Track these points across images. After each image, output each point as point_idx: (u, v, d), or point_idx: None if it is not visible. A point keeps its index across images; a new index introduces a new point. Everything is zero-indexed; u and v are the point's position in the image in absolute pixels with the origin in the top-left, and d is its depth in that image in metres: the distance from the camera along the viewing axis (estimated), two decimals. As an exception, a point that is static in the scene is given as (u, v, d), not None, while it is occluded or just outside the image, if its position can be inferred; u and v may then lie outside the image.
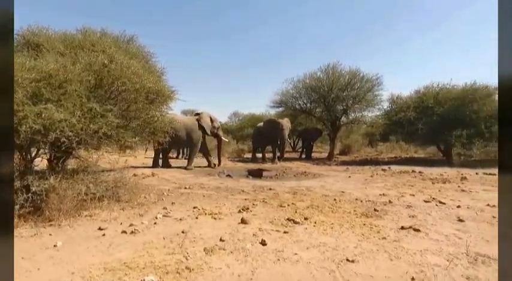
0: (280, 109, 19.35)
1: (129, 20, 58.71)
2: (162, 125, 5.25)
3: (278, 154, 14.53)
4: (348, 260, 2.73)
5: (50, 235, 3.40)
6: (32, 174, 3.86)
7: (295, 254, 2.89)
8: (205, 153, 11.97)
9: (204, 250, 2.98)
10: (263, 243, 3.17)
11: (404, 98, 14.93)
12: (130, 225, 3.76)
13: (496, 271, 2.53)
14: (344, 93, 15.87)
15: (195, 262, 2.69)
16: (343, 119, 16.80)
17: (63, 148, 4.02)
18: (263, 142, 14.78)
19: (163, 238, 3.34)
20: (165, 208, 4.69)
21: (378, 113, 16.07)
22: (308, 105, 17.47)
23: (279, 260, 2.76)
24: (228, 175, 9.60)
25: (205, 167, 11.66)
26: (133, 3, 59.22)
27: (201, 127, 11.26)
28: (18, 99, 3.38)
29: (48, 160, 4.77)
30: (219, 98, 62.75)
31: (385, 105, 15.71)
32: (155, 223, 3.91)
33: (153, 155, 11.77)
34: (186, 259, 2.76)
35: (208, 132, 11.57)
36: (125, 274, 2.44)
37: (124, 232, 3.52)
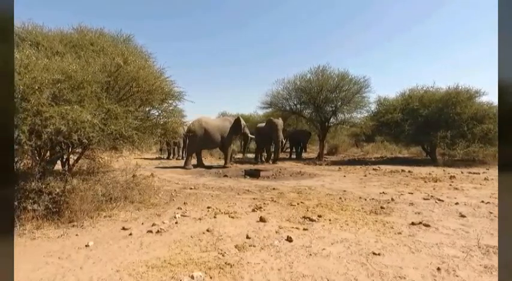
0: (270, 110, 19.53)
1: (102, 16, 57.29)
2: (175, 126, 5.30)
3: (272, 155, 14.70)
4: (374, 253, 2.94)
5: (77, 235, 3.42)
6: (52, 175, 3.84)
7: (324, 249, 3.07)
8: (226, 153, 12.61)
9: (236, 247, 3.11)
10: (289, 240, 3.33)
11: (391, 100, 15.53)
12: (153, 225, 3.83)
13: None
14: (333, 95, 16.27)
15: (232, 258, 2.81)
16: (332, 120, 17.22)
17: (81, 148, 4.02)
18: (263, 142, 14.86)
19: (191, 237, 3.43)
20: (179, 208, 4.76)
21: (365, 115, 16.61)
22: (298, 106, 17.78)
23: (310, 255, 2.93)
24: (225, 175, 9.69)
25: (196, 166, 11.82)
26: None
27: (242, 129, 12.36)
28: (44, 100, 3.37)
29: (62, 161, 4.73)
30: (207, 98, 62.32)
31: (373, 107, 16.30)
32: (176, 223, 3.99)
33: (145, 156, 11.80)
34: (223, 256, 2.88)
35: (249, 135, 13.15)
36: (170, 270, 2.54)
37: (150, 231, 3.59)
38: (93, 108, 3.96)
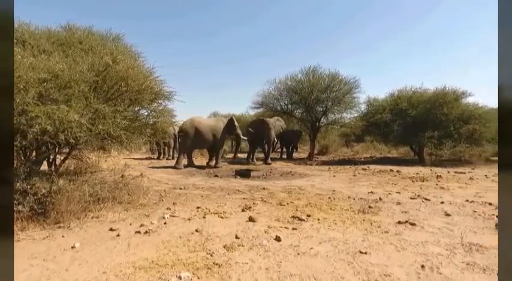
0: (261, 110, 19.56)
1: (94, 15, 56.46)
2: (164, 126, 5.26)
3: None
4: (361, 252, 2.98)
5: (63, 236, 3.38)
6: (37, 175, 3.78)
7: (311, 248, 3.10)
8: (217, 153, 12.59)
9: (224, 247, 3.11)
10: (278, 239, 3.35)
11: (380, 100, 15.75)
12: (141, 225, 3.80)
13: (490, 258, 2.89)
14: (324, 95, 16.40)
15: (221, 258, 2.82)
16: (323, 120, 17.35)
17: (68, 148, 3.97)
18: (254, 141, 14.77)
19: (180, 237, 3.42)
20: (168, 208, 4.74)
21: (355, 115, 16.79)
22: (289, 106, 17.85)
23: (298, 254, 2.95)
24: (216, 175, 9.67)
25: (187, 166, 11.77)
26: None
27: (235, 130, 12.47)
28: (29, 99, 3.31)
29: (48, 161, 4.65)
30: (198, 97, 61.96)
31: (363, 107, 16.50)
32: (165, 223, 3.97)
33: (135, 156, 11.69)
34: (211, 256, 2.88)
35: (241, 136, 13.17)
36: (157, 271, 2.53)
37: (138, 232, 3.56)
38: (81, 107, 3.90)
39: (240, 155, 18.10)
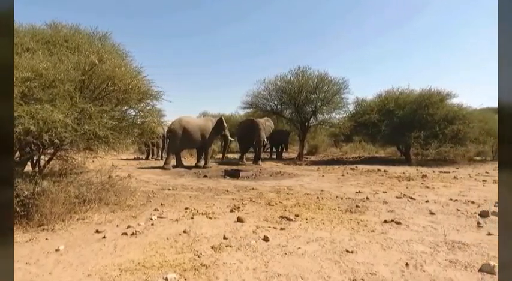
0: (251, 110, 19.56)
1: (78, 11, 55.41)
2: (152, 126, 5.21)
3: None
4: (347, 251, 3.02)
5: (47, 239, 3.30)
6: (20, 177, 3.69)
7: (299, 248, 3.13)
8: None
9: (212, 248, 3.11)
10: (266, 239, 3.36)
11: (368, 101, 15.98)
12: (128, 227, 3.76)
13: (472, 255, 2.98)
14: (313, 96, 16.52)
15: (208, 259, 2.81)
16: (312, 120, 17.47)
17: (52, 149, 3.89)
18: (245, 142, 14.71)
19: (167, 238, 3.40)
20: (156, 209, 4.70)
21: (344, 115, 16.97)
22: (279, 106, 17.90)
23: (286, 254, 2.97)
24: (205, 176, 9.63)
25: (176, 166, 11.70)
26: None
27: (224, 130, 12.37)
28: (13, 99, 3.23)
29: (32, 162, 4.55)
30: (188, 97, 61.44)
31: (351, 108, 16.71)
32: (152, 224, 3.93)
33: (123, 157, 11.53)
34: (198, 257, 2.87)
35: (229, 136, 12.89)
36: (143, 273, 2.51)
37: (124, 233, 3.52)
38: (66, 107, 3.83)
39: (229, 155, 18.07)
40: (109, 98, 4.89)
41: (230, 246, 3.17)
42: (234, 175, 9.90)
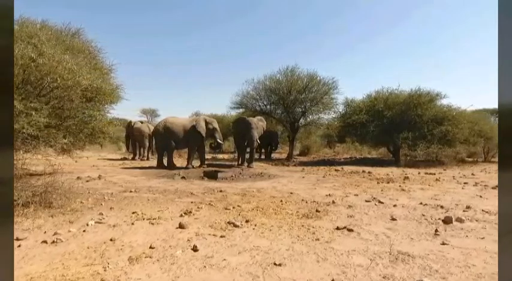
0: (241, 110, 19.26)
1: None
2: (101, 125, 4.92)
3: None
4: (275, 264, 2.72)
5: (-47, 248, 3.02)
6: None
7: (224, 260, 2.83)
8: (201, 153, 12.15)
9: (129, 259, 2.82)
10: (194, 249, 3.07)
11: (357, 101, 15.65)
12: (55, 234, 3.47)
13: (412, 268, 2.67)
14: (302, 96, 16.24)
15: (113, 273, 2.52)
16: (302, 120, 17.18)
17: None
18: (240, 142, 13.25)
19: (87, 248, 3.11)
20: (101, 214, 4.41)
21: (333, 116, 16.68)
22: (268, 107, 17.61)
23: (205, 267, 2.68)
24: (183, 177, 9.34)
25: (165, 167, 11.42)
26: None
27: (197, 132, 11.52)
28: None
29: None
30: (181, 97, 61.26)
31: (341, 108, 16.39)
32: (84, 231, 3.64)
33: (110, 157, 11.30)
34: (104, 270, 2.58)
35: (204, 135, 11.75)
36: (28, 290, 2.22)
37: (44, 241, 3.23)
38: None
39: (221, 156, 17.85)
40: (55, 95, 4.63)
41: (150, 257, 2.88)
42: (213, 176, 9.63)
